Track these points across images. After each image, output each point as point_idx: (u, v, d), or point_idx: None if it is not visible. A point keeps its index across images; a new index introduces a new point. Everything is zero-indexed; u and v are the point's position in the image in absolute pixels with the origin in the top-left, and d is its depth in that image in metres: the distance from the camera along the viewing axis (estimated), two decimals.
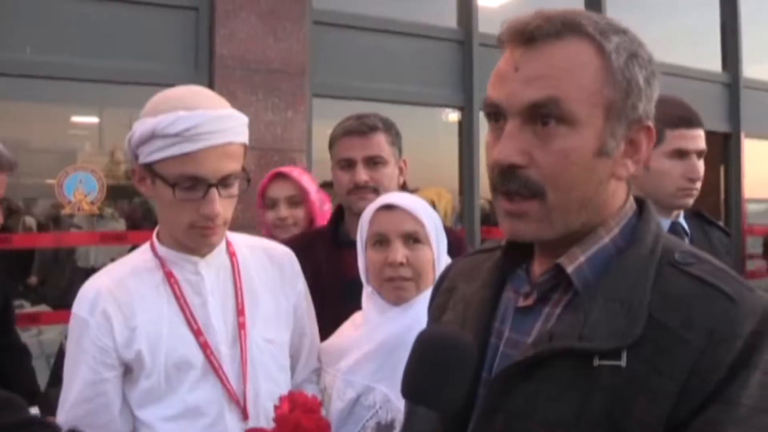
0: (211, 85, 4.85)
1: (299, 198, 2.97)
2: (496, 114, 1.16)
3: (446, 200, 5.63)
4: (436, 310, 1.45)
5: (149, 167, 1.77)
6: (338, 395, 2.00)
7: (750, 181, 7.76)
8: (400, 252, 1.98)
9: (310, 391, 2.07)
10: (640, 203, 1.25)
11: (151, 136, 1.73)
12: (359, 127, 2.54)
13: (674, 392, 1.01)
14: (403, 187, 5.91)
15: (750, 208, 7.82)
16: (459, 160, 6.23)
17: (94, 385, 1.79)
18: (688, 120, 2.60)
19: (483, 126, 6.37)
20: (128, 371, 1.82)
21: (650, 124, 1.17)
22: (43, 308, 5.35)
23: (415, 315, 1.92)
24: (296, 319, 2.07)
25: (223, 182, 1.77)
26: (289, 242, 2.30)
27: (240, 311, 1.90)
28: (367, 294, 2.09)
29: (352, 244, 2.56)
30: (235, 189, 1.83)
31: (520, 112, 1.12)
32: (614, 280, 1.12)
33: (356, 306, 2.21)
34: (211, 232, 1.81)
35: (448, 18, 6.21)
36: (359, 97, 5.49)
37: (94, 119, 6.93)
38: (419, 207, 2.04)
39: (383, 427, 1.91)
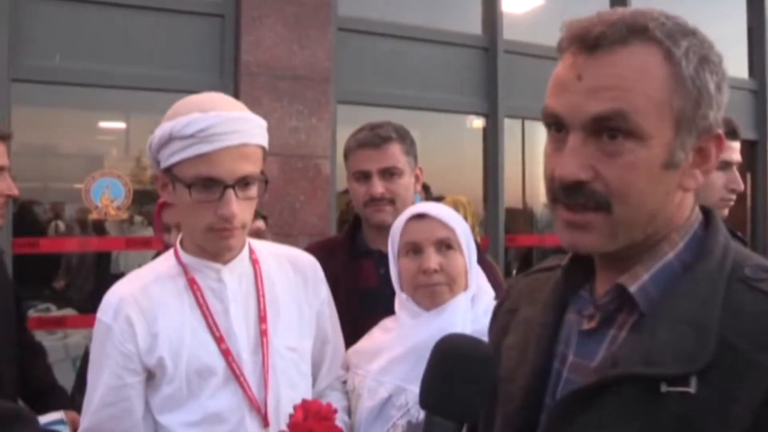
0: (236, 92, 4.89)
1: None
2: (556, 125, 1.10)
3: (464, 209, 5.62)
4: (497, 332, 1.38)
5: (169, 171, 1.80)
6: (369, 394, 2.00)
7: None
8: (433, 259, 2.00)
9: (332, 398, 2.08)
10: (706, 213, 1.18)
11: (169, 139, 1.76)
12: (373, 139, 2.53)
13: (748, 421, 0.94)
14: (426, 191, 5.93)
15: None
16: (483, 167, 6.22)
17: (117, 390, 1.81)
18: (734, 131, 2.61)
19: (507, 133, 6.37)
20: (150, 377, 1.84)
21: (720, 132, 1.10)
22: (69, 312, 5.40)
23: (448, 319, 1.95)
24: (319, 326, 2.08)
25: (240, 183, 1.78)
26: (308, 251, 2.31)
27: (262, 318, 1.91)
28: (400, 301, 2.10)
29: (370, 254, 2.58)
30: (253, 191, 1.83)
31: (583, 125, 1.05)
32: (681, 300, 1.05)
33: (373, 315, 2.22)
34: (229, 234, 1.81)
35: (472, 25, 6.21)
36: (383, 103, 5.51)
37: (121, 125, 7.00)
38: (450, 215, 2.06)
39: (414, 426, 1.91)
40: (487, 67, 6.12)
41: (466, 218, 5.63)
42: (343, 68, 5.42)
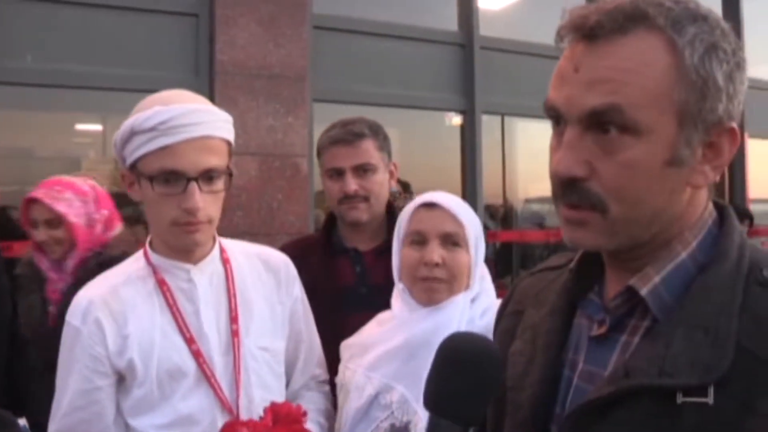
0: (211, 91, 4.87)
1: (57, 221, 3.01)
2: (556, 117, 1.05)
3: None
4: (503, 335, 1.30)
5: (134, 168, 1.78)
6: (357, 392, 1.95)
7: (754, 181, 7.73)
8: (436, 252, 1.92)
9: (307, 398, 2.07)
10: (720, 209, 1.10)
11: (130, 134, 1.74)
12: (345, 136, 2.51)
13: None
14: (406, 189, 5.91)
15: (755, 208, 7.79)
16: (461, 163, 6.23)
17: (88, 393, 1.79)
18: None
19: (486, 129, 6.38)
20: (121, 380, 1.82)
21: (733, 125, 1.02)
22: None
23: (444, 317, 1.90)
24: (292, 325, 2.05)
25: (204, 177, 1.76)
26: (283, 250, 2.29)
27: (233, 319, 1.88)
28: (398, 291, 2.03)
29: (346, 252, 2.56)
30: (218, 185, 1.81)
31: (579, 118, 1.00)
32: (696, 305, 0.99)
33: (350, 313, 2.19)
34: (194, 229, 1.79)
35: (448, 21, 6.22)
36: (360, 101, 5.50)
37: (98, 127, 6.94)
38: (461, 209, 1.99)
39: (397, 429, 1.86)
40: (463, 64, 6.13)
41: None
42: (319, 66, 5.41)
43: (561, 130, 1.04)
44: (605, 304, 1.12)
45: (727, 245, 1.04)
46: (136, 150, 1.74)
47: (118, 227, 3.21)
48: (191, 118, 1.73)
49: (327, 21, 5.53)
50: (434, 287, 1.94)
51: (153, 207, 1.80)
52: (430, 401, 1.09)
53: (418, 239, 1.96)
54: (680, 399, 0.94)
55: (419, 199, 2.01)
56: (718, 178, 1.06)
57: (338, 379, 2.07)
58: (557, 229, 1.11)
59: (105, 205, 3.16)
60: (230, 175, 1.85)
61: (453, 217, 1.95)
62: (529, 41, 6.18)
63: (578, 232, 1.05)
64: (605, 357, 1.08)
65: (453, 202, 1.99)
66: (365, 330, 2.10)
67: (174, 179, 1.74)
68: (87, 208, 3.07)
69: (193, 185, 1.74)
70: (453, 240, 1.95)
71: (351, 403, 1.96)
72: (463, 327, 1.88)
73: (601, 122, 0.99)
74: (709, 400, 0.93)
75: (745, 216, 6.48)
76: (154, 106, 1.73)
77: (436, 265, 1.92)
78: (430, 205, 1.97)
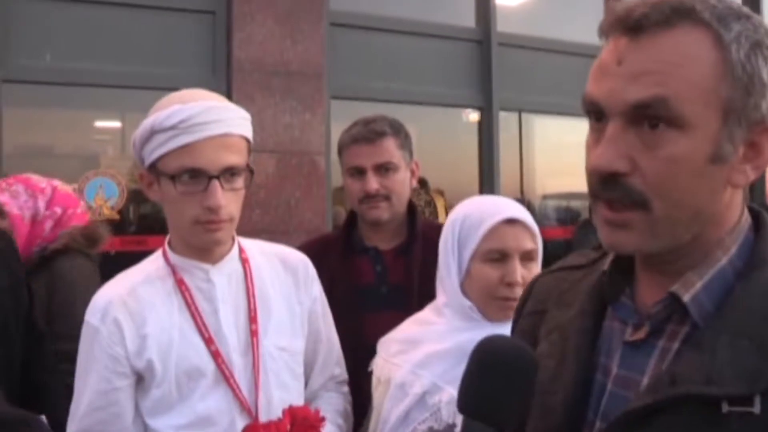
0: (228, 89, 4.87)
1: (2, 211, 3.03)
2: (596, 113, 1.02)
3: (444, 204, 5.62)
4: (522, 336, 1.27)
5: (154, 168, 1.78)
6: (402, 390, 1.88)
7: None
8: (519, 272, 1.86)
9: (325, 399, 2.07)
10: (754, 214, 1.09)
11: (150, 134, 1.74)
12: (366, 134, 2.49)
13: None
14: (424, 186, 5.89)
15: None
16: (479, 160, 6.20)
17: (107, 393, 1.78)
18: None
19: (504, 126, 6.37)
20: (140, 380, 1.81)
21: None
22: None
23: (505, 330, 1.81)
24: (311, 325, 2.04)
25: (226, 174, 1.76)
26: (302, 248, 2.28)
27: (252, 319, 1.88)
28: (455, 305, 1.93)
29: (366, 251, 2.54)
30: (238, 183, 1.81)
31: (622, 112, 0.98)
32: (738, 312, 0.98)
33: (369, 312, 2.16)
34: (216, 227, 1.78)
35: (466, 17, 6.19)
36: (377, 98, 5.49)
37: (116, 124, 6.98)
38: (533, 221, 1.93)
39: None
40: (481, 60, 6.10)
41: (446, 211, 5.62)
42: (336, 63, 5.40)
43: (600, 127, 1.02)
44: (639, 308, 1.10)
45: (766, 251, 1.03)
46: (156, 149, 1.74)
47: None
48: (211, 116, 1.73)
49: (344, 17, 5.52)
50: (512, 305, 1.81)
51: (174, 206, 1.80)
52: (462, 403, 1.07)
53: (498, 257, 1.88)
54: (725, 408, 0.92)
55: (497, 212, 1.91)
56: (757, 177, 1.04)
57: (376, 373, 2.02)
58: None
59: (61, 204, 3.17)
60: (251, 172, 1.85)
61: (531, 233, 1.91)
62: (547, 38, 6.14)
63: (619, 234, 1.02)
64: (642, 363, 1.06)
65: (527, 214, 1.93)
66: (404, 328, 2.04)
67: (195, 177, 1.74)
68: (35, 204, 3.11)
69: (215, 183, 1.74)
70: (530, 256, 1.90)
71: (394, 401, 1.90)
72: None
73: (645, 116, 0.97)
74: (755, 409, 0.91)
75: None
76: (173, 105, 1.73)
77: (518, 284, 1.86)
78: (512, 221, 1.89)
